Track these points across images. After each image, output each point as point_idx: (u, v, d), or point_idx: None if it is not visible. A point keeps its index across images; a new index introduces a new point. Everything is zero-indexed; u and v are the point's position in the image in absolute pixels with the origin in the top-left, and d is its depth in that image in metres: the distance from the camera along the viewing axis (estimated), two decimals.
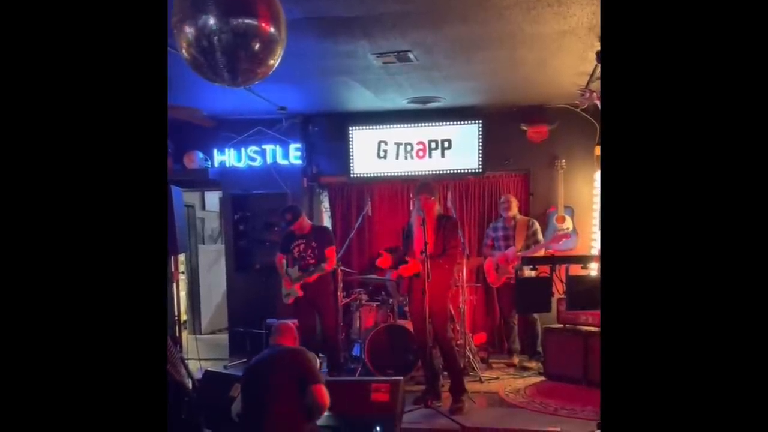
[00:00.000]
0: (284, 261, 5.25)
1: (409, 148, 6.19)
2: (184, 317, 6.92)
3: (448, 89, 5.43)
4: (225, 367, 5.69)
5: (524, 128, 6.08)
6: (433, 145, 6.15)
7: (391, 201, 6.45)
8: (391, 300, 5.34)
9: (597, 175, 5.82)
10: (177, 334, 5.65)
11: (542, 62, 4.63)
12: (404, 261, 4.48)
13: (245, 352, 6.02)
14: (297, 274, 5.11)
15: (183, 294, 7.18)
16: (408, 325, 4.97)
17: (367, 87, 5.29)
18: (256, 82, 2.98)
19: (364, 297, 5.60)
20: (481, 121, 6.04)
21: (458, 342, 5.09)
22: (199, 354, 5.74)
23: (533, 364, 5.46)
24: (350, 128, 6.24)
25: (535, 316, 5.50)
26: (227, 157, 6.42)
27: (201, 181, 6.57)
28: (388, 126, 6.21)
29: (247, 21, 2.58)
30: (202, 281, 7.84)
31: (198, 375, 4.18)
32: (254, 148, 6.37)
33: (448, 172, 6.16)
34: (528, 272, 3.76)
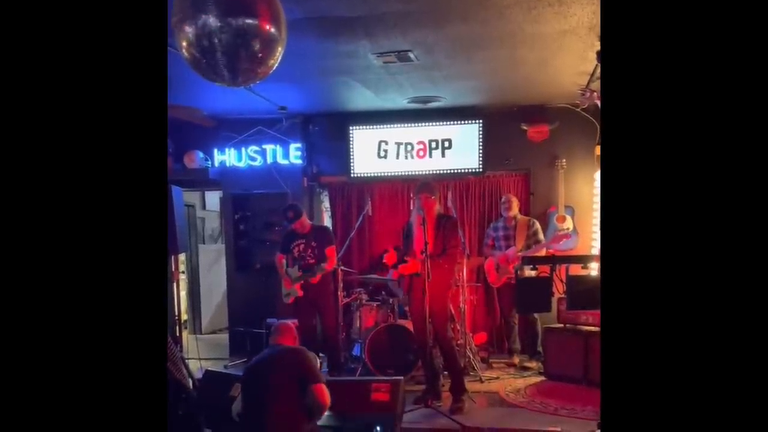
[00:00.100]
0: (284, 261, 5.25)
1: (409, 147, 6.19)
2: (184, 317, 6.92)
3: (448, 89, 5.42)
4: (225, 367, 5.69)
5: (525, 128, 6.08)
6: (434, 144, 6.15)
7: (391, 201, 6.45)
8: (391, 300, 5.34)
9: (597, 175, 5.82)
10: (177, 334, 5.65)
11: (543, 62, 4.62)
12: (404, 260, 4.48)
13: (245, 352, 6.02)
14: (297, 273, 5.11)
15: (183, 294, 7.18)
16: (408, 324, 4.97)
17: (367, 87, 5.29)
18: (257, 82, 2.98)
19: (365, 297, 5.60)
20: (481, 121, 6.04)
21: (458, 342, 5.09)
22: (200, 354, 5.74)
23: (533, 364, 5.46)
24: (351, 128, 6.24)
25: (536, 315, 5.50)
26: (227, 157, 6.42)
27: (201, 180, 6.58)
28: (388, 126, 6.21)
29: (247, 21, 2.58)
30: (202, 281, 7.84)
31: (198, 375, 4.19)
32: (254, 147, 6.37)
33: (449, 171, 6.16)
34: (528, 272, 3.76)
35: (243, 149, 6.38)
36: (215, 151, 6.43)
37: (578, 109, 5.83)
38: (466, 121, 6.08)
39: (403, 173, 6.24)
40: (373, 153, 6.24)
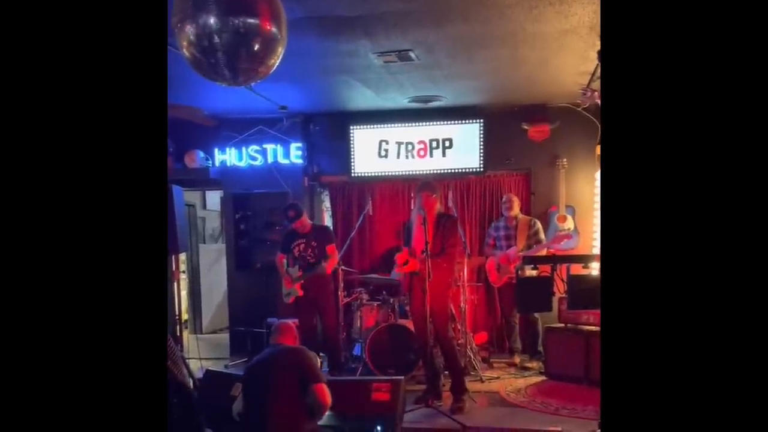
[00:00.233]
0: (285, 260, 5.25)
1: (410, 147, 6.19)
2: (185, 316, 6.92)
3: (449, 88, 5.42)
4: (226, 367, 5.69)
5: (525, 127, 6.08)
6: (434, 144, 6.14)
7: (392, 200, 6.45)
8: (392, 299, 5.34)
9: (598, 175, 5.82)
10: (178, 334, 5.65)
11: (544, 61, 4.62)
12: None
13: (246, 352, 6.02)
14: (297, 273, 5.11)
15: (184, 293, 7.17)
16: (409, 324, 4.97)
17: (368, 86, 5.29)
18: (257, 81, 2.98)
19: (365, 296, 5.60)
20: (482, 120, 6.03)
21: (459, 341, 5.09)
22: (200, 353, 5.74)
23: (534, 364, 5.46)
24: (351, 127, 6.24)
25: (537, 315, 5.50)
26: (228, 157, 6.42)
27: (202, 180, 6.58)
28: (389, 125, 6.21)
29: (248, 20, 2.58)
30: (203, 280, 7.84)
31: (199, 374, 4.18)
32: (255, 147, 6.37)
33: (449, 171, 6.15)
34: (529, 271, 3.75)
35: (244, 149, 6.38)
36: (216, 150, 6.43)
37: (579, 109, 5.83)
38: (467, 121, 6.07)
39: (403, 173, 6.23)
40: (374, 152, 6.24)
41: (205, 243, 8.21)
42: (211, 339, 7.35)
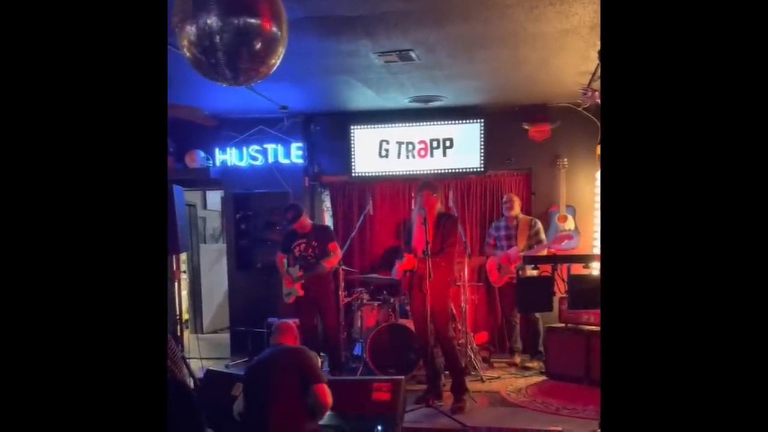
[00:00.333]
0: (285, 260, 5.25)
1: (410, 147, 6.19)
2: (185, 316, 6.92)
3: (449, 88, 5.42)
4: (226, 367, 5.69)
5: (526, 127, 6.07)
6: (435, 144, 6.14)
7: (392, 200, 6.44)
8: (392, 299, 5.34)
9: (599, 174, 5.81)
10: (178, 333, 5.65)
11: (544, 61, 4.62)
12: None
13: (247, 352, 6.02)
14: (298, 273, 5.11)
15: (184, 293, 7.17)
16: (409, 324, 4.97)
17: (368, 86, 5.29)
18: (258, 81, 2.98)
19: (366, 296, 5.60)
20: (482, 120, 6.03)
21: (460, 341, 5.08)
22: (201, 353, 5.74)
23: (535, 364, 5.46)
24: (352, 127, 6.24)
25: (537, 315, 5.49)
26: (229, 156, 6.42)
27: (203, 180, 6.58)
28: (389, 125, 6.21)
29: (248, 20, 2.58)
30: (203, 280, 7.85)
31: (200, 374, 4.18)
32: (256, 147, 6.37)
33: (450, 171, 6.15)
34: (530, 271, 3.75)
35: (244, 148, 6.38)
36: (216, 150, 6.43)
37: (580, 109, 5.82)
38: (468, 121, 6.07)
39: (404, 173, 6.23)
40: (375, 152, 6.24)
41: (205, 243, 8.21)
42: (211, 339, 7.34)
